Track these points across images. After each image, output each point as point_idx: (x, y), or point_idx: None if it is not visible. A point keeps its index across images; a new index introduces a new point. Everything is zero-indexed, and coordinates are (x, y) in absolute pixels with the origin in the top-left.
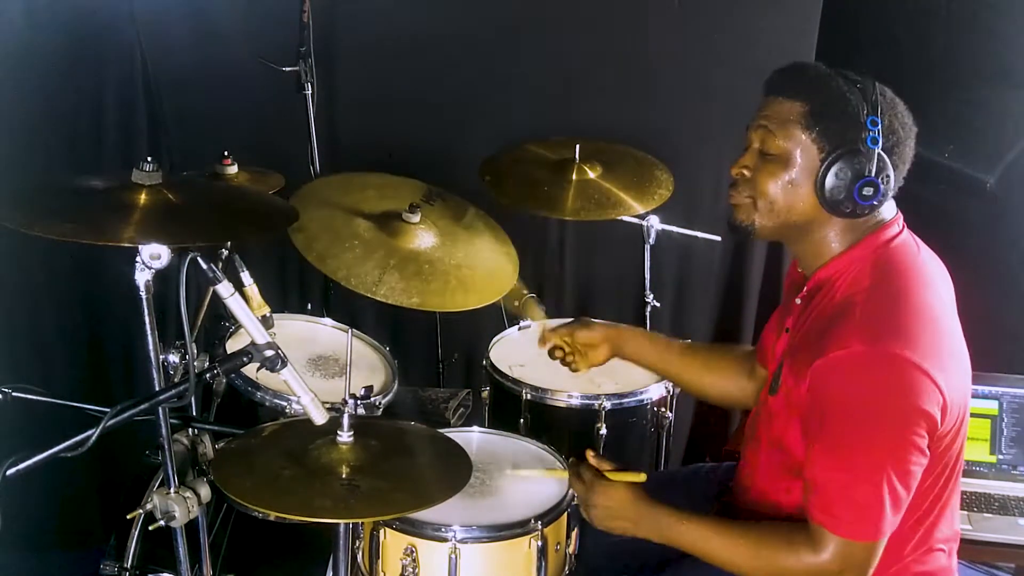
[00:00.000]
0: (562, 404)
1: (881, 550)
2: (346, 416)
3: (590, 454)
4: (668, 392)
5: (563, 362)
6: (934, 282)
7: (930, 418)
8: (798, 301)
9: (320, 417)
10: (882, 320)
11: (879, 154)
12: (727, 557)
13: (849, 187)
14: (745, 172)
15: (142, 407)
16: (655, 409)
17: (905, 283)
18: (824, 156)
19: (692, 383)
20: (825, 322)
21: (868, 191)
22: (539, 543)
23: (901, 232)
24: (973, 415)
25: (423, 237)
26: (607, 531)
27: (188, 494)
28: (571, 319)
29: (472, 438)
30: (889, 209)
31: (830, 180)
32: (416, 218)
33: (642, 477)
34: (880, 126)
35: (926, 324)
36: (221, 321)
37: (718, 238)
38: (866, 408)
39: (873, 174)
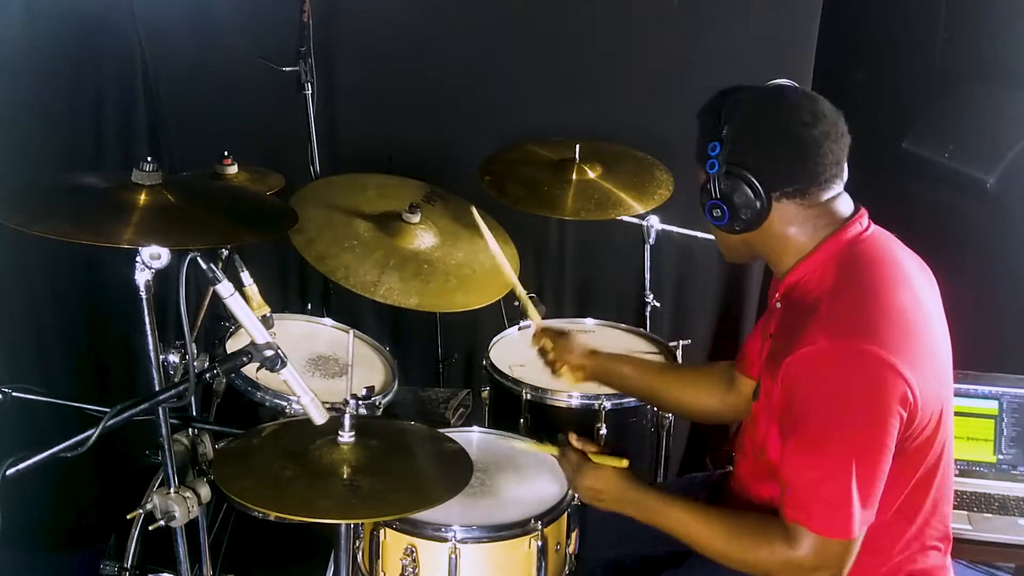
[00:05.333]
0: (562, 404)
1: (858, 547)
2: (347, 416)
3: (573, 437)
4: None
5: (546, 363)
6: (909, 280)
7: (898, 413)
8: (778, 305)
9: (320, 417)
10: (847, 316)
11: (715, 177)
12: (704, 542)
13: (709, 215)
14: None
15: (142, 407)
16: (655, 409)
17: (871, 279)
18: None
19: (672, 400)
20: (796, 322)
21: (717, 212)
22: (539, 543)
23: (867, 230)
24: (973, 415)
25: (423, 237)
26: (595, 507)
27: (188, 494)
28: (572, 319)
29: (472, 438)
30: (846, 207)
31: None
32: (416, 218)
33: (624, 463)
34: (721, 147)
35: (893, 319)
36: (221, 321)
37: None
38: (832, 404)
39: (716, 197)
